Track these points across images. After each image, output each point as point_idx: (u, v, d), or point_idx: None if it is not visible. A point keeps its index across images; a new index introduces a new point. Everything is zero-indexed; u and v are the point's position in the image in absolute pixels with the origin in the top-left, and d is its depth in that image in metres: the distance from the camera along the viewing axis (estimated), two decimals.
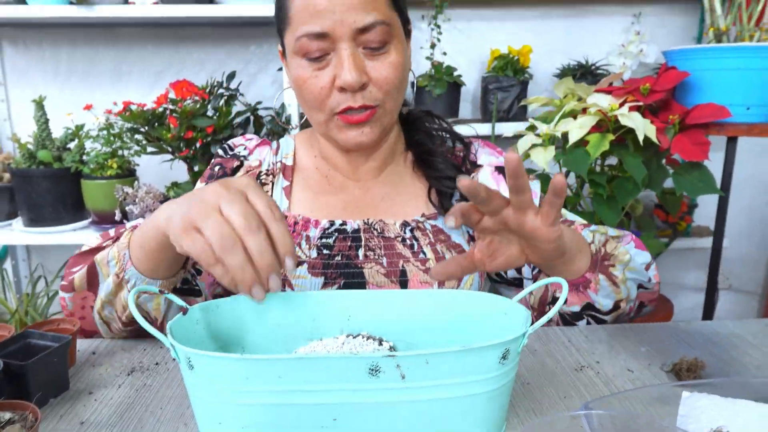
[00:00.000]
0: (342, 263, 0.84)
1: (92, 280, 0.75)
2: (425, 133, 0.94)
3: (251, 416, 0.52)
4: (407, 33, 0.86)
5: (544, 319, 0.54)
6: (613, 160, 1.49)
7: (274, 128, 1.69)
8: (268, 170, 0.92)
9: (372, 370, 0.49)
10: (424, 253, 0.86)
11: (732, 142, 1.42)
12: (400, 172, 0.93)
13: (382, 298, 0.66)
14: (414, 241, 0.86)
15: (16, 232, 1.66)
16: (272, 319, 0.65)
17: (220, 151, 0.95)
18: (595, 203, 1.41)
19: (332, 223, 0.87)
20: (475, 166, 0.93)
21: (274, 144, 0.96)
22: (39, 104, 1.64)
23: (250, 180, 0.60)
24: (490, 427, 0.54)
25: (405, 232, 0.87)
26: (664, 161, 1.43)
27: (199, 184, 0.92)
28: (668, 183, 1.44)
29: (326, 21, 0.75)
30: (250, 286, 0.57)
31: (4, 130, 1.95)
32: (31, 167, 1.60)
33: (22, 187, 1.61)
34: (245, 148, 0.94)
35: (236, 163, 0.92)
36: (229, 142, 0.96)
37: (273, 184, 0.91)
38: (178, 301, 0.61)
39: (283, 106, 1.69)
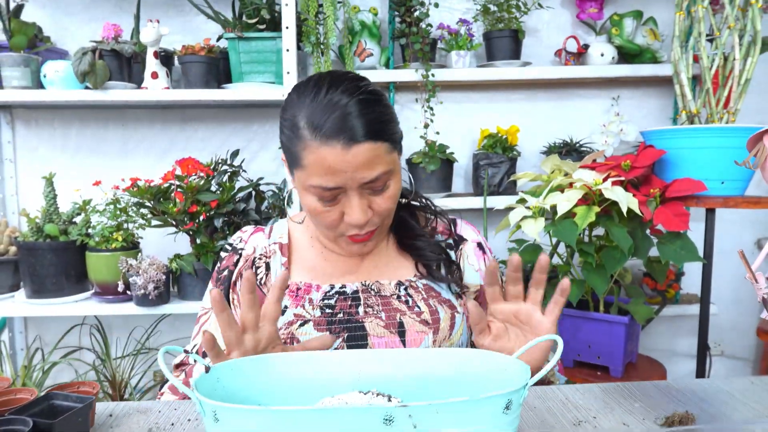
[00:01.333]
0: (344, 319, 0.91)
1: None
2: (407, 212, 1.02)
3: None
4: (399, 152, 0.92)
5: (543, 371, 0.59)
6: (600, 231, 1.57)
7: (275, 202, 1.76)
8: (262, 254, 0.99)
9: (386, 420, 0.53)
10: (419, 307, 0.94)
11: (711, 213, 1.51)
12: (388, 249, 1.02)
13: (390, 356, 0.70)
14: (408, 297, 0.94)
15: (18, 304, 1.68)
16: (288, 378, 0.69)
17: (223, 253, 1.03)
18: (585, 271, 1.47)
19: (332, 287, 0.95)
20: (462, 240, 1.02)
21: (266, 228, 1.04)
22: (49, 181, 1.71)
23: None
24: None
25: (400, 291, 0.95)
26: (648, 231, 1.51)
27: (210, 286, 1.01)
28: (653, 252, 1.51)
29: (338, 178, 0.83)
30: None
31: (10, 204, 2.00)
32: (38, 240, 1.65)
33: (26, 260, 1.65)
34: (241, 240, 1.03)
35: (236, 258, 1.00)
36: (230, 239, 1.05)
37: (269, 263, 0.98)
38: (201, 360, 0.65)
39: (284, 182, 1.78)
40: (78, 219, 1.75)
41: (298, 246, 1.01)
